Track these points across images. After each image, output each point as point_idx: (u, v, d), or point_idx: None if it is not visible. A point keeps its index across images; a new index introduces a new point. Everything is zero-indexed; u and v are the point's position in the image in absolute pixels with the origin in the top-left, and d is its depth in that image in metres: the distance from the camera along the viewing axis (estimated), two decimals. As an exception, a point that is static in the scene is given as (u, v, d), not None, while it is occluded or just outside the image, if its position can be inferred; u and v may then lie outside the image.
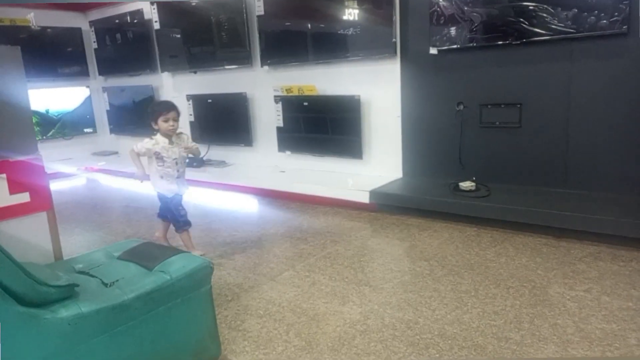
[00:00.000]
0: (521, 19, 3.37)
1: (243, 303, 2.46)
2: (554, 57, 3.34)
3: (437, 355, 1.95)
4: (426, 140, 4.04)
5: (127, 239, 2.90)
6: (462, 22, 3.59)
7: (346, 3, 4.15)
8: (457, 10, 3.60)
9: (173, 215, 3.05)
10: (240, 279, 2.75)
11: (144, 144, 2.89)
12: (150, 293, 1.65)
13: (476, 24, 3.53)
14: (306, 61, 4.54)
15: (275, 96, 4.81)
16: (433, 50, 3.77)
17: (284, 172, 4.85)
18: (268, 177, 4.72)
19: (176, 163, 2.94)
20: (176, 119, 2.90)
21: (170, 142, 2.91)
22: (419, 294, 2.46)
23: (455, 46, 3.67)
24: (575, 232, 3.02)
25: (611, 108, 3.21)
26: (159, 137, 2.90)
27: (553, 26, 3.25)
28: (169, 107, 2.90)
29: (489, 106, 3.67)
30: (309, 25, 4.44)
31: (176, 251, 1.95)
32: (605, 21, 3.07)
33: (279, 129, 4.88)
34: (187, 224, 3.07)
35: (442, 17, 3.67)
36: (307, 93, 4.61)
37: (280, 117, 4.82)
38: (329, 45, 4.32)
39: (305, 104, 4.63)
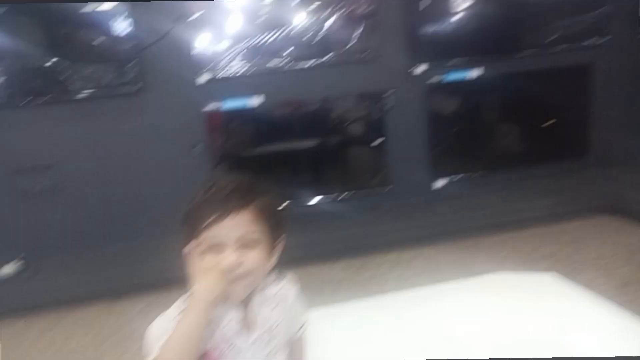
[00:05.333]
0: (39, 78, 3.14)
1: None
2: (79, 117, 3.25)
3: None
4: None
5: None
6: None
7: None
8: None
9: None
10: None
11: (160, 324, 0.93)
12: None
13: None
14: None
15: None
16: None
17: None
18: None
19: None
20: (251, 243, 0.92)
21: (243, 325, 0.97)
22: None
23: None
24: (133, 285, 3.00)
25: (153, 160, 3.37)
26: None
27: (70, 86, 3.16)
28: (220, 199, 0.90)
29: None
30: None
31: None
32: (118, 80, 3.18)
33: None
34: None
35: None
36: None
37: None
38: None
39: None
